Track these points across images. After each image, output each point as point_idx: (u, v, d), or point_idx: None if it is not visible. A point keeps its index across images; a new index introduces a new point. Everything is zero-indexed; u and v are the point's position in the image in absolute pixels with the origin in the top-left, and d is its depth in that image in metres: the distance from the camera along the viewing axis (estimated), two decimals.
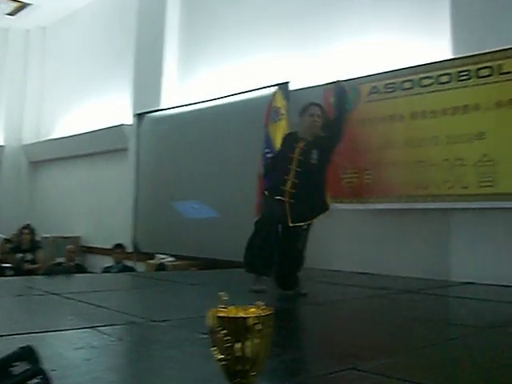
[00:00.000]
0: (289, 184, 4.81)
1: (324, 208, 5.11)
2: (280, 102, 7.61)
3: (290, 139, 5.09)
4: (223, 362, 1.86)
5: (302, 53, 8.28)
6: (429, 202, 6.51)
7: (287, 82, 7.86)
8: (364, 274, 6.97)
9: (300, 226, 4.87)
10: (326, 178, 5.13)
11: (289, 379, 2.45)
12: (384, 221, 7.19)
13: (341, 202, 7.28)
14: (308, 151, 4.85)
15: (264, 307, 1.90)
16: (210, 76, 9.81)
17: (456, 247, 6.40)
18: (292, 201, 4.79)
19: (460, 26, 6.50)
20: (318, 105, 5.08)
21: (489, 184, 6.00)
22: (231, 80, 9.22)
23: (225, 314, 1.87)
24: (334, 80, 5.57)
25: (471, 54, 6.25)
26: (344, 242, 7.56)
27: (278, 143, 7.34)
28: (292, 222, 4.81)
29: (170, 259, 9.23)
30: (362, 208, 7.16)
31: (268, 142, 7.49)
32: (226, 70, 9.48)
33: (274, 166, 5.26)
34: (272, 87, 7.88)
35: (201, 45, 10.08)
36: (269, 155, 7.37)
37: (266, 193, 5.04)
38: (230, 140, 8.69)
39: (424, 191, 6.54)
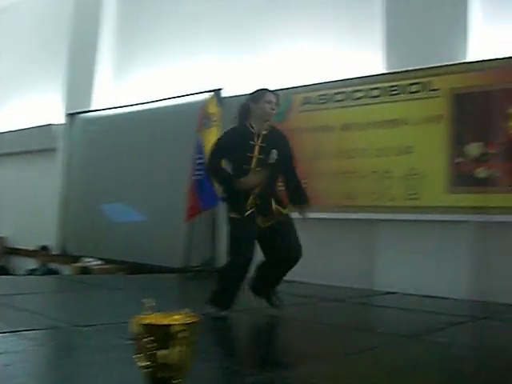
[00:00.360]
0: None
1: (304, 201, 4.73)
2: (213, 109, 7.61)
3: (240, 136, 4.49)
4: (147, 369, 1.85)
5: (237, 60, 8.31)
6: (356, 213, 6.64)
7: (220, 89, 7.88)
8: (290, 282, 7.00)
9: (281, 214, 4.46)
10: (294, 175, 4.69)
11: None
12: (312, 230, 7.23)
13: None
14: (266, 150, 4.38)
15: (190, 314, 1.90)
16: (144, 78, 9.72)
17: (381, 258, 6.54)
18: (257, 202, 4.34)
19: (393, 43, 6.68)
20: (273, 92, 4.54)
21: (414, 197, 6.17)
22: (166, 83, 9.16)
23: (149, 321, 1.86)
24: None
25: (402, 69, 6.42)
26: None
27: (209, 149, 7.36)
28: (266, 222, 4.38)
29: (97, 262, 9.08)
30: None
31: (199, 148, 7.48)
32: (161, 74, 9.42)
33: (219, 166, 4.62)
34: (206, 93, 7.87)
35: (136, 46, 9.98)
36: (200, 161, 7.38)
37: (234, 215, 4.35)
38: (162, 144, 8.64)
39: (352, 202, 6.67)
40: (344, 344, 3.64)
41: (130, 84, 9.98)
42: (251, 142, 4.39)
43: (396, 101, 6.46)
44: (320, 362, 3.04)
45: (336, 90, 6.95)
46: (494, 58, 5.95)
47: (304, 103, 7.24)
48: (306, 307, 5.27)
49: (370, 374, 2.83)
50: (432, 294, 5.91)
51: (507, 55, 5.87)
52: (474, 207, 5.89)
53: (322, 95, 7.07)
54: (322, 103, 7.07)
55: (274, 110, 4.47)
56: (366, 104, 6.66)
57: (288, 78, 7.52)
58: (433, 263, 6.12)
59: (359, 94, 6.73)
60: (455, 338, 3.93)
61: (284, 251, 4.52)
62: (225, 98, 7.83)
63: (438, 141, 6.11)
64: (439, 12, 6.43)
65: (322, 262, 7.03)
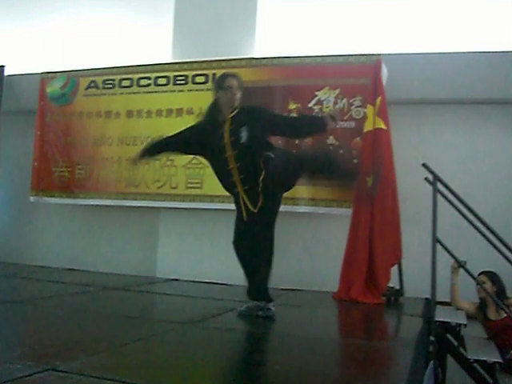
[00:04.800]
0: (235, 172, 4.12)
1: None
2: None
3: (203, 131, 4.30)
4: None
5: (23, 38, 7.89)
6: (139, 200, 6.63)
7: (2, 66, 7.44)
8: (72, 270, 6.86)
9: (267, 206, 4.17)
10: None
11: None
12: (94, 217, 7.15)
13: (51, 196, 7.10)
14: (236, 131, 4.10)
15: None
16: None
17: (163, 245, 6.61)
18: (246, 187, 4.14)
19: (181, 34, 6.77)
20: (234, 76, 4.34)
21: (196, 185, 6.30)
22: None
23: None
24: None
25: (188, 60, 6.51)
26: (52, 237, 7.37)
27: None
28: (255, 207, 4.15)
29: None
30: (72, 203, 7.04)
31: None
32: None
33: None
34: None
35: None
36: None
37: None
38: None
39: (135, 189, 6.65)
40: (123, 333, 3.61)
41: None
42: (219, 131, 4.15)
43: (182, 90, 6.54)
44: (97, 353, 2.99)
45: (123, 76, 6.87)
46: (276, 56, 6.25)
47: (89, 87, 7.07)
48: (84, 296, 5.15)
49: (148, 364, 2.84)
50: (214, 281, 6.09)
51: (289, 54, 6.20)
52: None
53: (108, 80, 6.95)
54: (108, 88, 6.96)
55: (234, 95, 4.22)
56: (152, 92, 6.68)
57: (74, 59, 7.32)
58: (214, 251, 6.29)
59: (145, 82, 6.73)
60: (231, 322, 4.08)
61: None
62: (7, 76, 7.43)
63: None
64: (229, 7, 6.62)
65: (103, 250, 6.97)
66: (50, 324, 3.90)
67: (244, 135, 4.06)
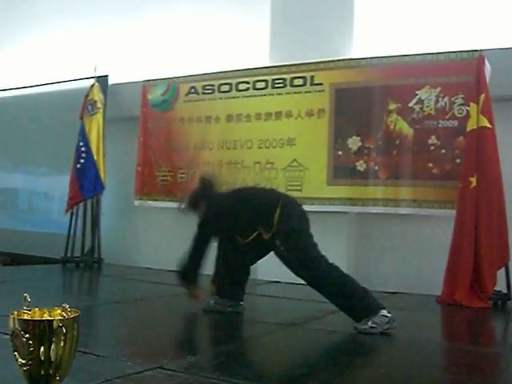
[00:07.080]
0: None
1: None
2: (97, 96, 7.44)
3: None
4: (25, 367, 1.75)
5: (125, 47, 8.14)
6: None
7: (106, 76, 7.72)
8: (174, 271, 7.00)
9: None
10: None
11: (94, 380, 2.40)
12: (195, 220, 7.27)
13: (154, 200, 7.30)
14: None
15: (70, 309, 1.84)
16: (24, 62, 9.33)
17: None
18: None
19: (278, 37, 6.77)
20: None
21: (297, 188, 6.30)
22: (48, 67, 8.83)
23: (28, 317, 1.79)
24: None
25: (287, 63, 6.53)
26: (156, 240, 7.56)
27: (92, 136, 7.23)
28: None
29: None
30: (175, 207, 7.19)
31: (83, 135, 7.32)
32: (43, 57, 9.06)
33: None
34: (90, 79, 7.65)
35: (14, 27, 9.56)
36: (83, 148, 7.25)
37: None
38: (43, 130, 8.39)
39: None
40: (226, 334, 3.66)
41: (9, 66, 9.54)
42: None
43: (280, 94, 6.57)
44: (202, 352, 3.06)
45: (221, 81, 6.98)
46: (374, 56, 6.17)
47: (190, 93, 7.23)
48: (186, 297, 5.24)
49: (252, 363, 2.88)
50: None
51: (387, 54, 6.10)
52: (353, 199, 6.10)
53: (208, 85, 7.08)
54: (207, 93, 7.08)
55: None
56: (251, 96, 6.74)
57: (174, 66, 7.48)
58: None
59: (244, 86, 6.80)
60: (333, 325, 4.06)
61: None
62: (111, 85, 7.71)
63: (320, 134, 6.27)
64: (326, 7, 6.58)
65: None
66: (156, 323, 4.01)
67: None
